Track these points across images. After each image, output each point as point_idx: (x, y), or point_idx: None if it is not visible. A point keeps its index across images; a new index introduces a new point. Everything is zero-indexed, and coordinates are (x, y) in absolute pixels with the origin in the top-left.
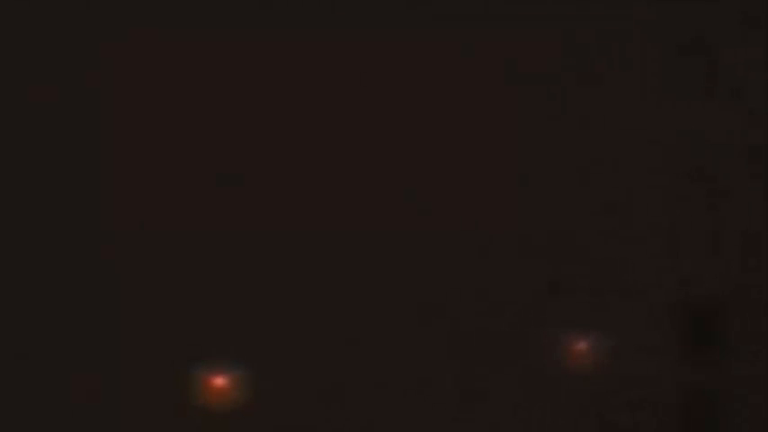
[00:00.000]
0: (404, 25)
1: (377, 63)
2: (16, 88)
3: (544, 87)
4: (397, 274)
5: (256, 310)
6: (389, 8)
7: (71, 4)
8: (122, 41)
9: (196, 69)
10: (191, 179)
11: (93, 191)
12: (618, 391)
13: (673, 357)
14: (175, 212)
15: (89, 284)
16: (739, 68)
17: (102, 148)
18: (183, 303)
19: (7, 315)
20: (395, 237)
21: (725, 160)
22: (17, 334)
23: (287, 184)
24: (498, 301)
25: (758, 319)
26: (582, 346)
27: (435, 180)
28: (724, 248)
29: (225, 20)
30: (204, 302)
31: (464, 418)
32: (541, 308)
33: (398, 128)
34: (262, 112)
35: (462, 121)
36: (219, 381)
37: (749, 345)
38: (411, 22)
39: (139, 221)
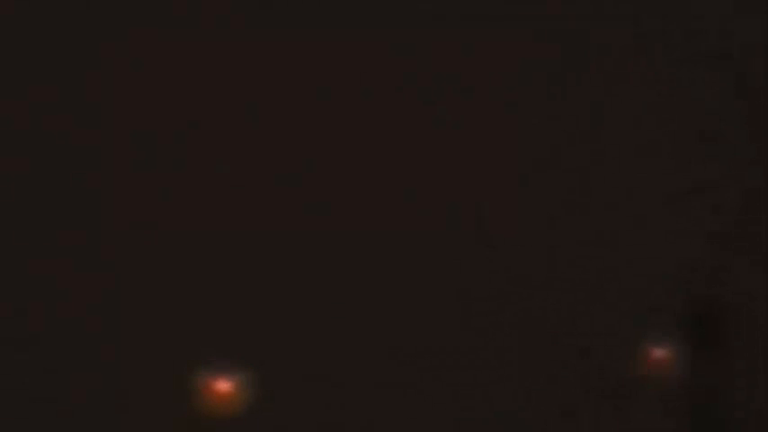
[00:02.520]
0: (404, 25)
1: (377, 63)
2: (16, 88)
3: (546, 84)
4: (399, 276)
5: (257, 312)
6: (391, 7)
7: (71, 4)
8: (122, 41)
9: (195, 69)
10: (191, 179)
11: (93, 191)
12: (621, 391)
13: (676, 358)
14: (176, 213)
15: (90, 285)
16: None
17: (101, 147)
18: (184, 306)
19: (7, 316)
20: (397, 237)
21: (726, 165)
22: (17, 334)
23: (287, 185)
24: (498, 301)
25: (761, 319)
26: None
27: (439, 179)
28: (727, 249)
29: (223, 20)
30: (205, 305)
31: (461, 419)
32: (542, 306)
33: (398, 127)
34: (261, 111)
35: (470, 118)
36: (222, 384)
37: (752, 345)
38: (411, 22)
39: (139, 221)
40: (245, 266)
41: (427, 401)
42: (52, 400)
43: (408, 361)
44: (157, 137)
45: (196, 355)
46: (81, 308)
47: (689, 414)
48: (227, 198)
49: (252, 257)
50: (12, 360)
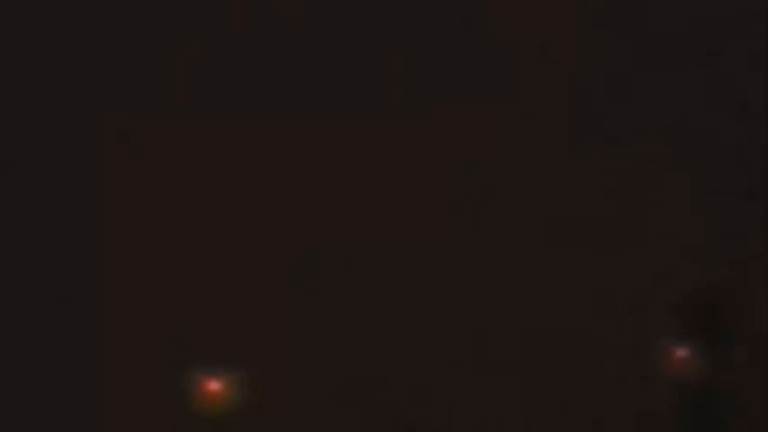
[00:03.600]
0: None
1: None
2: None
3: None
4: (391, 282)
5: (253, 314)
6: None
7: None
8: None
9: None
10: (185, 181)
11: (91, 191)
12: (618, 389)
13: (674, 354)
14: (173, 216)
15: (86, 288)
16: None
17: (101, 149)
18: (179, 307)
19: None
20: (393, 240)
21: (722, 159)
22: (12, 335)
23: (280, 190)
24: (496, 300)
25: (759, 314)
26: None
27: (441, 180)
28: (724, 245)
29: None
30: (199, 306)
31: (452, 420)
32: (541, 305)
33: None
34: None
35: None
36: (214, 385)
37: (751, 341)
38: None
39: (137, 224)
40: (239, 271)
41: (422, 405)
42: (46, 401)
43: (405, 364)
44: (156, 143)
45: (188, 356)
46: (74, 308)
47: (687, 408)
48: (220, 201)
49: (247, 262)
50: (5, 360)
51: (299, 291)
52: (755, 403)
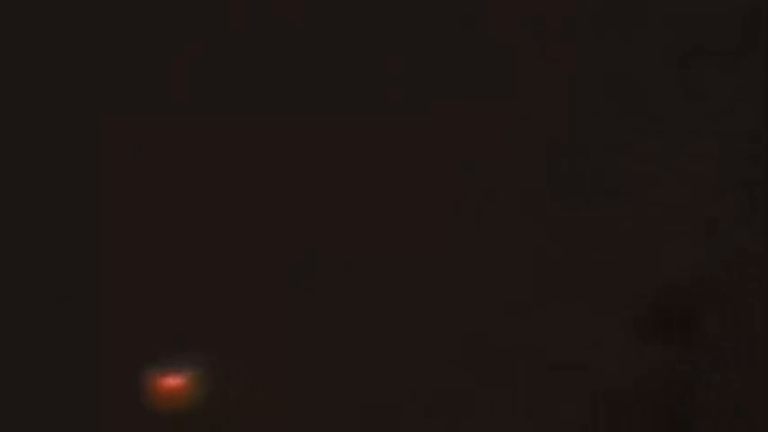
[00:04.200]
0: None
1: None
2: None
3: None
4: (391, 282)
5: (252, 314)
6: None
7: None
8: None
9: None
10: (185, 181)
11: (91, 191)
12: (586, 383)
13: (642, 348)
14: (173, 216)
15: (86, 288)
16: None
17: (101, 149)
18: (179, 307)
19: None
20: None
21: (723, 158)
22: (12, 335)
23: (280, 190)
24: (477, 301)
25: (730, 309)
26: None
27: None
28: (695, 238)
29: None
30: (199, 306)
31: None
32: (540, 304)
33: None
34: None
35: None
36: (175, 379)
37: (721, 335)
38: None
39: (136, 224)
40: (238, 268)
41: (422, 405)
42: (39, 399)
43: (405, 364)
44: (155, 144)
45: (187, 355)
46: (71, 315)
47: (659, 410)
48: (219, 197)
49: (238, 261)
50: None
51: (299, 291)
52: (725, 400)
